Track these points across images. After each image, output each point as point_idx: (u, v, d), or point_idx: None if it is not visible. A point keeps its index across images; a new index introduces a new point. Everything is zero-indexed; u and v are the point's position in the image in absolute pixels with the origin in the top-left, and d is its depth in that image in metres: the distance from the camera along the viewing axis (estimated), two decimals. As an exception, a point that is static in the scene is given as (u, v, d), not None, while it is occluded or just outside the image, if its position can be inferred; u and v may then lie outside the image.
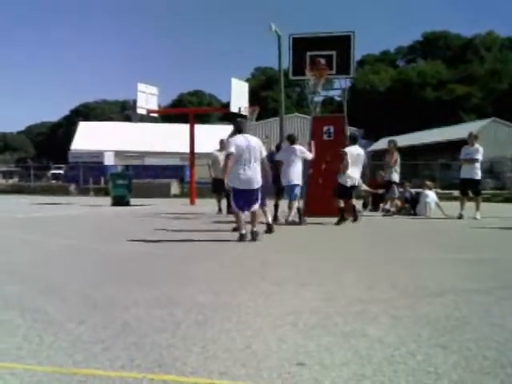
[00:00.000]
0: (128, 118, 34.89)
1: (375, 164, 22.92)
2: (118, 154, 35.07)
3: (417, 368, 2.28)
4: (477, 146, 10.85)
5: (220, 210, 12.10)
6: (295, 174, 9.19)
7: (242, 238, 6.73)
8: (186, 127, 20.32)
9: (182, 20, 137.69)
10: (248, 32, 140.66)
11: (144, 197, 19.46)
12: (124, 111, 67.14)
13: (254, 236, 6.75)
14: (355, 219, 9.55)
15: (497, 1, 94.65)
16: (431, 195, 11.80)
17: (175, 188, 24.71)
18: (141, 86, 17.03)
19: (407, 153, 23.57)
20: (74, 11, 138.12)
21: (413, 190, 12.66)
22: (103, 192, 23.53)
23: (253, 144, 6.91)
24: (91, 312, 3.19)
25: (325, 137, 11.03)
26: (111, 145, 37.02)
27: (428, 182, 12.54)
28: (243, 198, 6.89)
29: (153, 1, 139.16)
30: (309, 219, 9.57)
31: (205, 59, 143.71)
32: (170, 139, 37.71)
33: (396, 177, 11.77)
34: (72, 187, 27.06)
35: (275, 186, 9.87)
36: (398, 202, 12.07)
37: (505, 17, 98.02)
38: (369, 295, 3.69)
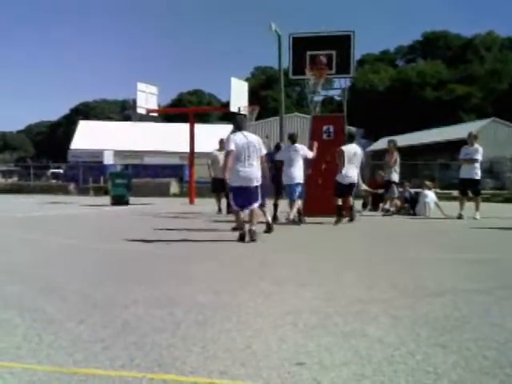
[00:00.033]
0: (128, 118, 34.91)
1: (375, 164, 22.95)
2: (118, 153, 35.06)
3: (416, 368, 2.28)
4: (476, 146, 10.85)
5: (220, 209, 12.10)
6: (297, 173, 9.20)
7: (241, 237, 6.72)
8: (185, 127, 20.33)
9: (182, 20, 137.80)
10: (248, 32, 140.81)
11: (143, 196, 19.47)
12: (124, 111, 67.14)
13: (252, 235, 6.68)
14: (351, 219, 9.55)
15: (497, 1, 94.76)
16: (430, 195, 11.81)
17: (174, 187, 24.72)
18: (140, 86, 17.03)
19: (407, 153, 23.58)
20: (73, 11, 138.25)
21: (412, 190, 12.67)
22: (103, 191, 23.52)
23: (252, 141, 6.90)
24: (91, 311, 3.19)
25: (324, 136, 11.02)
26: (111, 144, 36.99)
27: (427, 182, 12.55)
28: (243, 196, 6.85)
29: (153, 1, 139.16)
30: (308, 219, 9.58)
31: (204, 59, 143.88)
32: (170, 139, 37.68)
33: (395, 177, 11.78)
34: (71, 186, 27.06)
35: (275, 185, 9.88)
36: (398, 202, 12.08)
37: (505, 17, 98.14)
38: (369, 295, 3.69)
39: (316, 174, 10.32)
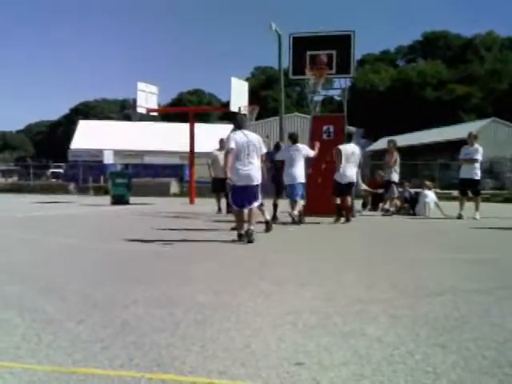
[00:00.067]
0: (127, 117, 34.88)
1: (375, 164, 22.95)
2: (118, 152, 35.03)
3: (416, 368, 2.28)
4: (476, 146, 10.85)
5: (219, 209, 12.10)
6: (299, 173, 9.21)
7: (240, 237, 6.71)
8: (185, 126, 20.32)
9: (182, 20, 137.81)
10: (248, 31, 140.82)
11: (143, 196, 19.46)
12: (124, 110, 67.10)
13: (250, 236, 6.57)
14: (347, 220, 9.54)
15: (497, 1, 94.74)
16: (430, 195, 11.81)
17: (174, 187, 24.71)
18: (140, 85, 17.02)
19: (407, 153, 23.58)
20: (74, 11, 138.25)
21: (412, 190, 12.67)
22: (103, 191, 23.52)
23: (252, 140, 6.86)
24: (90, 311, 3.19)
25: (324, 136, 11.03)
26: (111, 144, 36.96)
27: (427, 182, 12.55)
28: (242, 195, 6.81)
29: (153, 1, 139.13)
30: (308, 218, 9.58)
31: (205, 58, 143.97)
32: (170, 138, 37.66)
33: (395, 177, 11.78)
34: (71, 186, 27.05)
35: (275, 185, 9.88)
36: (398, 202, 12.08)
37: (505, 17, 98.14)
38: (368, 295, 3.69)
39: (316, 174, 10.32)
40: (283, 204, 10.11)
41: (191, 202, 16.91)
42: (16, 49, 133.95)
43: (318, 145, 9.74)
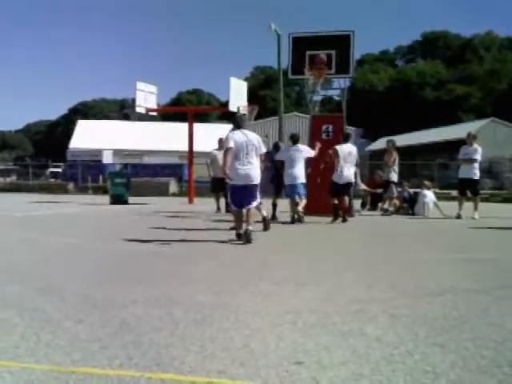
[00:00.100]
0: (126, 117, 34.89)
1: (374, 164, 22.97)
2: (117, 152, 35.00)
3: (415, 367, 2.28)
4: (475, 146, 10.86)
5: (218, 208, 12.11)
6: (300, 173, 9.24)
7: (239, 237, 6.70)
8: (184, 126, 20.29)
9: (182, 20, 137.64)
10: (247, 31, 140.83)
11: (142, 195, 19.45)
12: (123, 110, 67.12)
13: (248, 236, 6.51)
14: (344, 220, 9.55)
15: (496, 1, 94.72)
16: (429, 195, 11.82)
17: (173, 187, 24.69)
18: (140, 85, 17.00)
19: (406, 152, 23.59)
20: (74, 11, 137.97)
21: (411, 190, 12.67)
22: (102, 190, 23.51)
23: (251, 140, 6.85)
24: (89, 311, 3.19)
25: (324, 136, 11.04)
26: (110, 143, 36.93)
27: (426, 182, 12.56)
28: (241, 195, 6.80)
29: (153, 1, 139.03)
30: (307, 218, 9.58)
31: (204, 58, 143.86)
32: (169, 138, 37.64)
33: (394, 176, 11.79)
34: (70, 186, 27.03)
35: (274, 185, 9.89)
36: (397, 202, 12.09)
37: (504, 17, 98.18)
38: (368, 295, 3.69)
39: (315, 174, 10.33)
40: (283, 204, 10.12)
41: (190, 201, 16.91)
42: (16, 49, 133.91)
43: (318, 145, 9.76)
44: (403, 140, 28.83)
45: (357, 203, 12.34)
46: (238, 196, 6.83)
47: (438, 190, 17.67)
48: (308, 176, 9.81)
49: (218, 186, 11.66)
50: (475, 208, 10.58)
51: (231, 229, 7.32)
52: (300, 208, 9.16)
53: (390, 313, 3.17)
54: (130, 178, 17.78)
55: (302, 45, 11.74)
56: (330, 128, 11.13)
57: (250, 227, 6.65)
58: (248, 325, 2.90)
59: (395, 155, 11.79)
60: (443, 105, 45.83)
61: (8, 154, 72.49)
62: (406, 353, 2.46)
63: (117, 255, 5.67)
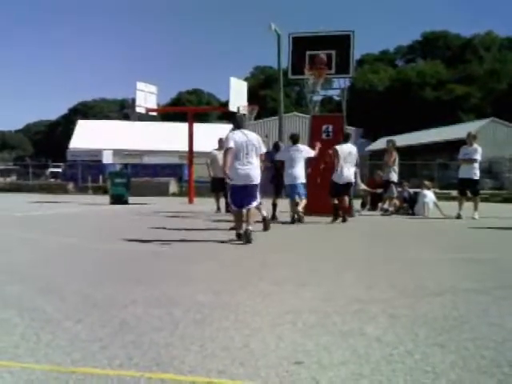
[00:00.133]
0: (126, 117, 34.88)
1: (374, 163, 22.97)
2: (117, 152, 35.01)
3: (415, 367, 2.28)
4: (475, 146, 10.86)
5: (218, 208, 12.11)
6: (300, 173, 9.25)
7: (239, 237, 6.70)
8: (184, 126, 20.30)
9: (182, 20, 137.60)
10: (247, 31, 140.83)
11: (142, 195, 19.45)
12: (123, 110, 67.12)
13: (248, 236, 6.50)
14: (344, 220, 9.55)
15: (496, 1, 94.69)
16: (429, 195, 11.82)
17: (173, 187, 24.69)
18: (140, 85, 17.00)
19: (406, 152, 23.59)
20: (73, 11, 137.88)
21: (411, 190, 12.68)
22: (102, 190, 23.51)
23: (251, 140, 6.85)
24: (89, 311, 3.19)
25: (324, 136, 11.04)
26: (110, 143, 36.93)
27: (426, 182, 12.56)
28: (241, 195, 6.79)
29: (153, 1, 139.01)
30: (307, 218, 9.58)
31: (204, 58, 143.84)
32: (169, 138, 37.65)
33: (394, 176, 11.79)
34: (70, 186, 27.03)
35: (274, 185, 9.89)
36: (397, 202, 12.09)
37: (504, 17, 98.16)
38: (368, 295, 3.69)
39: (315, 174, 10.33)
40: (282, 204, 10.12)
41: (190, 201, 16.91)
42: (16, 49, 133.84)
43: (318, 145, 9.76)
44: (403, 140, 28.84)
45: (357, 203, 12.35)
46: (238, 196, 6.83)
47: (437, 190, 17.67)
48: (308, 176, 9.81)
49: (217, 186, 11.66)
50: (475, 208, 10.58)
51: (231, 229, 7.31)
52: (300, 208, 9.17)
53: (390, 313, 3.17)
54: (130, 178, 17.79)
55: (301, 45, 11.74)
56: (330, 128, 11.14)
57: (250, 227, 6.64)
58: (248, 325, 2.90)
59: (395, 155, 11.79)
60: (443, 105, 45.83)
61: (8, 154, 72.48)
62: (405, 353, 2.46)
63: (117, 255, 5.67)
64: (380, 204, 12.68)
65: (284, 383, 2.11)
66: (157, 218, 10.58)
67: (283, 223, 9.17)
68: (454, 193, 14.26)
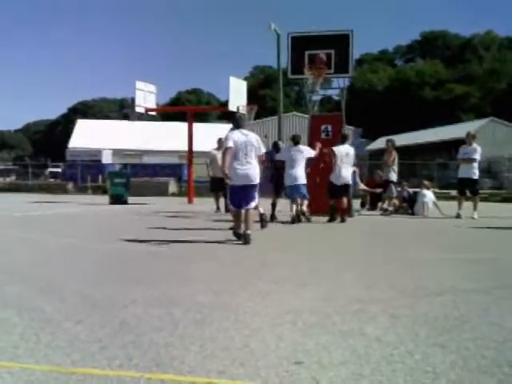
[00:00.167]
0: (126, 117, 34.84)
1: (373, 163, 22.98)
2: (116, 152, 35.02)
3: (415, 367, 2.28)
4: (475, 145, 10.86)
5: (218, 208, 12.11)
6: (300, 174, 9.24)
7: (239, 237, 6.68)
8: (184, 126, 20.30)
9: (182, 20, 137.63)
10: (247, 31, 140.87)
11: (142, 195, 19.44)
12: (122, 109, 67.03)
13: (247, 238, 6.46)
14: (342, 220, 9.55)
15: (496, 1, 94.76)
16: (429, 195, 11.82)
17: (173, 187, 24.68)
18: (139, 84, 16.99)
19: (405, 152, 23.61)
20: (74, 11, 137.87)
21: (411, 190, 12.68)
22: (101, 190, 23.49)
23: (251, 139, 6.83)
24: (89, 311, 3.19)
25: (323, 135, 11.04)
26: (109, 143, 36.95)
27: (426, 182, 12.57)
28: (240, 195, 6.76)
29: (153, 1, 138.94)
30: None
31: (203, 58, 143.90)
32: (169, 138, 37.66)
33: (394, 176, 11.78)
34: (70, 185, 27.01)
35: (273, 185, 9.88)
36: (396, 202, 12.09)
37: (504, 17, 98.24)
38: (368, 295, 3.69)
39: (314, 174, 10.33)
40: (282, 204, 10.11)
41: (190, 201, 16.90)
42: (16, 49, 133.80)
43: (319, 145, 9.76)
44: (402, 140, 28.85)
45: (356, 203, 12.35)
46: (237, 196, 6.81)
47: (437, 190, 17.68)
48: (307, 176, 9.81)
49: (217, 186, 11.66)
50: (474, 208, 10.59)
51: (231, 228, 7.30)
52: (304, 207, 9.19)
53: (390, 313, 3.17)
54: (130, 178, 17.77)
55: (301, 44, 11.73)
56: (330, 128, 11.13)
57: (249, 231, 6.53)
58: (248, 325, 2.90)
59: (394, 155, 11.79)
60: (442, 104, 45.86)
61: (7, 153, 72.44)
62: (406, 353, 2.45)
63: (117, 255, 5.66)
64: (379, 204, 12.68)
65: (284, 383, 2.11)
66: (156, 218, 10.57)
67: (283, 223, 9.17)
68: (454, 192, 14.26)
